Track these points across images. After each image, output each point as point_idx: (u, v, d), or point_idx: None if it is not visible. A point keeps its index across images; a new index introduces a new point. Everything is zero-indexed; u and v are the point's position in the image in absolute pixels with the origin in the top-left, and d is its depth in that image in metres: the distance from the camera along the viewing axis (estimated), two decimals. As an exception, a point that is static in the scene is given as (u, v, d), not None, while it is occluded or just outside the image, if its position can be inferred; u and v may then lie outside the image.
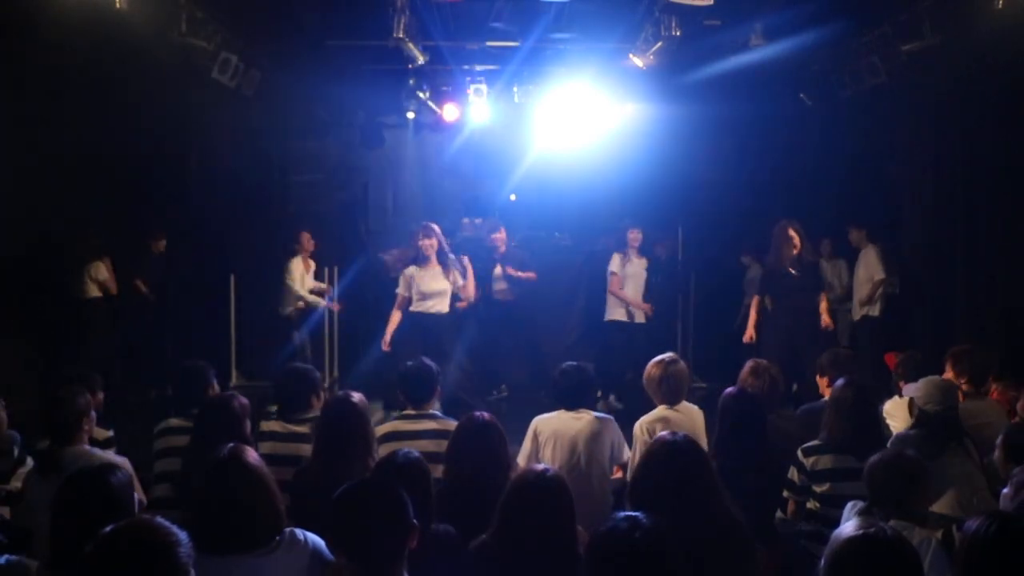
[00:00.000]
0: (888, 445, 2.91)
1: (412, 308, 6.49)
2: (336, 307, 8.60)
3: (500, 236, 8.26)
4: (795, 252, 6.58)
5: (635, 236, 7.87)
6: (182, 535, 1.92)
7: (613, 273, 7.90)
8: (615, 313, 7.92)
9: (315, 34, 7.30)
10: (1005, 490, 2.94)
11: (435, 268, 6.44)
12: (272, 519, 2.45)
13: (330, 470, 3.20)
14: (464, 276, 6.58)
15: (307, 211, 8.84)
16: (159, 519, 1.94)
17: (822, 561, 2.02)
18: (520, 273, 8.10)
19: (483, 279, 7.99)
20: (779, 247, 6.62)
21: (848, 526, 2.02)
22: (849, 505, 3.00)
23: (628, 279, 7.85)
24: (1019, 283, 6.47)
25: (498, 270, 8.15)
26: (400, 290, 6.50)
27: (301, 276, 8.06)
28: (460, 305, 6.74)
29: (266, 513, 2.45)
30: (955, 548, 2.60)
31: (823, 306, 6.73)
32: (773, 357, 5.17)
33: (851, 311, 8.22)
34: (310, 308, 8.15)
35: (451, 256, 6.56)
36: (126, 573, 1.85)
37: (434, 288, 6.43)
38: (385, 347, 6.47)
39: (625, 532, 2.06)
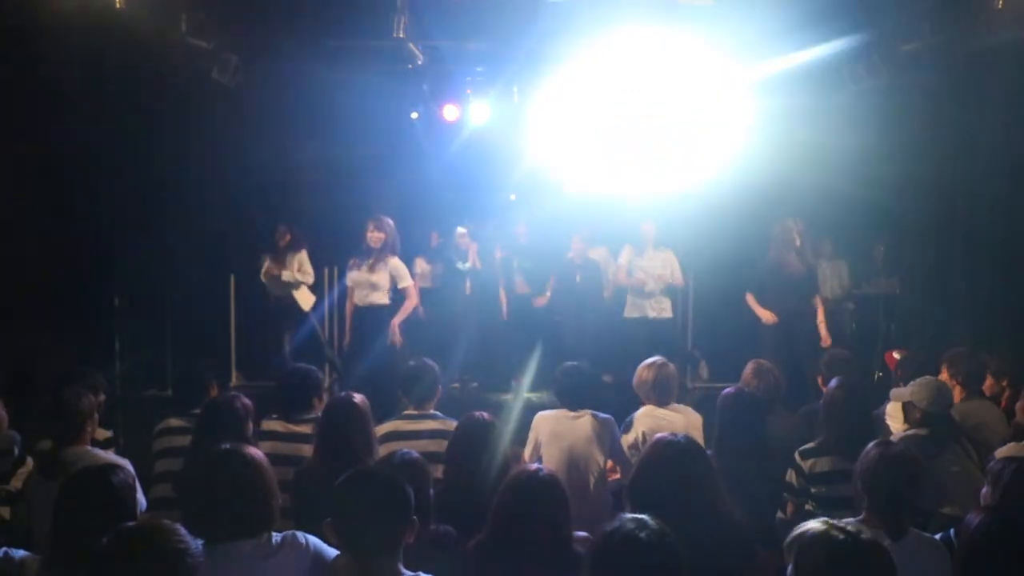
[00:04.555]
0: (870, 447, 2.86)
1: (356, 302, 6.42)
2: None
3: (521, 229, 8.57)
4: (794, 254, 6.48)
5: (648, 228, 7.60)
6: (194, 542, 1.94)
7: (620, 265, 7.67)
8: (633, 310, 7.65)
9: (315, 34, 7.30)
10: (984, 489, 2.87)
11: (371, 261, 6.31)
12: (265, 510, 2.45)
13: (331, 470, 3.19)
14: (402, 279, 6.40)
15: (307, 211, 8.82)
16: (175, 524, 1.96)
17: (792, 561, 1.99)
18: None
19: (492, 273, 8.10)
20: (778, 246, 6.54)
21: (812, 524, 1.99)
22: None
23: (642, 275, 7.58)
24: (1020, 283, 6.47)
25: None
26: (347, 280, 6.47)
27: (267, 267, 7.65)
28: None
29: (260, 503, 2.44)
30: (956, 546, 2.60)
31: (820, 316, 6.58)
32: (771, 356, 5.15)
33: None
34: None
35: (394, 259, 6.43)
36: (132, 572, 1.87)
37: (366, 279, 6.31)
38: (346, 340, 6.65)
39: (631, 532, 2.05)
